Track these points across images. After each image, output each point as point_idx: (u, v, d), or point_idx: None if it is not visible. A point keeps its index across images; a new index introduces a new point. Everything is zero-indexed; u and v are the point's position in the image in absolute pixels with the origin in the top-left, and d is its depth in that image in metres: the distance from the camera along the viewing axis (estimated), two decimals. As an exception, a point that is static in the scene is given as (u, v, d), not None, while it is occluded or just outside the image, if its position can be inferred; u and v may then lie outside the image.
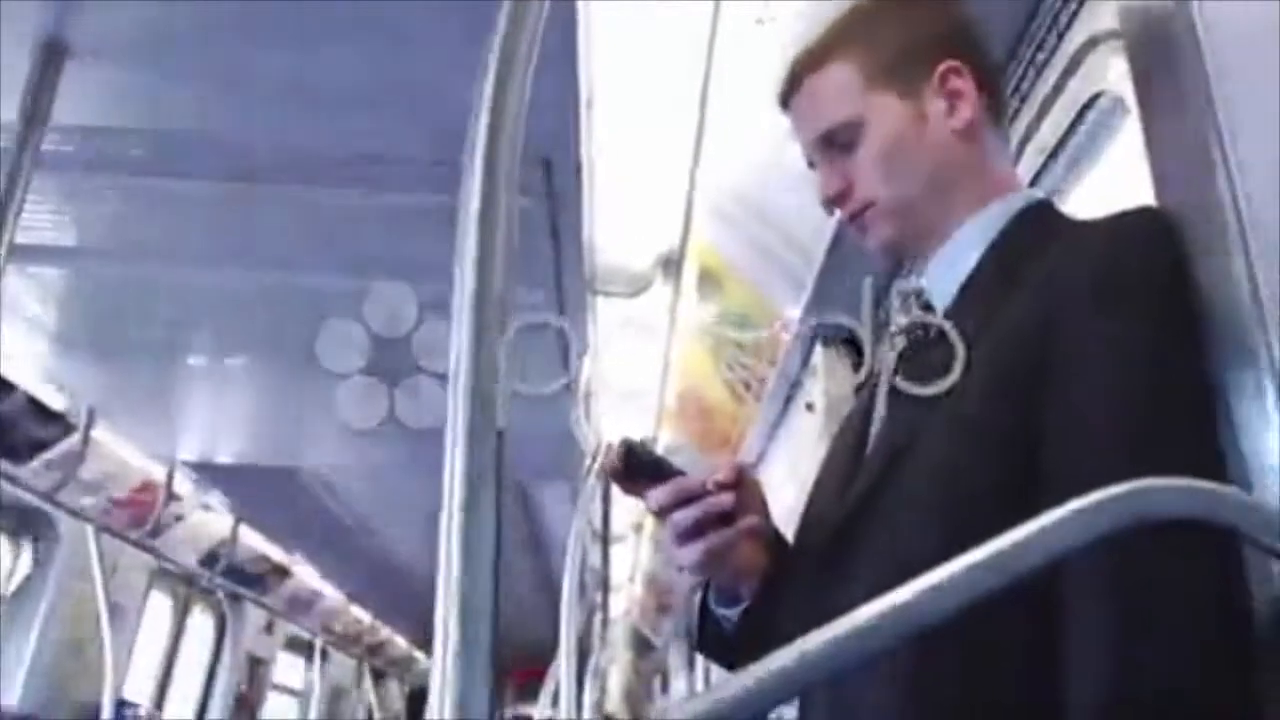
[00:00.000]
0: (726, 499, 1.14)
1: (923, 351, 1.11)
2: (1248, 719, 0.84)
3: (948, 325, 1.06)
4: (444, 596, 0.69)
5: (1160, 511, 0.72)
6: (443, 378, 0.76)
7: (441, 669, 0.67)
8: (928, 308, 1.15)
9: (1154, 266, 0.99)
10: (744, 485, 1.17)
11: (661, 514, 1.14)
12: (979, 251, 1.13)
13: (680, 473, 1.15)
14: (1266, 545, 0.76)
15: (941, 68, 1.16)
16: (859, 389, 1.38)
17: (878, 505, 1.06)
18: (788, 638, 0.66)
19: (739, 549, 1.16)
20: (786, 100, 1.23)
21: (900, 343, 1.16)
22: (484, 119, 0.80)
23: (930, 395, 1.04)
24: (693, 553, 1.14)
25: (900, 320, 1.16)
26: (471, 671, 0.67)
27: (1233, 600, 0.87)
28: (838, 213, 1.22)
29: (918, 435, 1.05)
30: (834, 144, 1.18)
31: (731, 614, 1.22)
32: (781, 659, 0.64)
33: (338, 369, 3.29)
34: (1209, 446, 0.92)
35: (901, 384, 1.07)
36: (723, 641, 1.25)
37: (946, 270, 1.15)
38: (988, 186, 1.17)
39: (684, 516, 1.13)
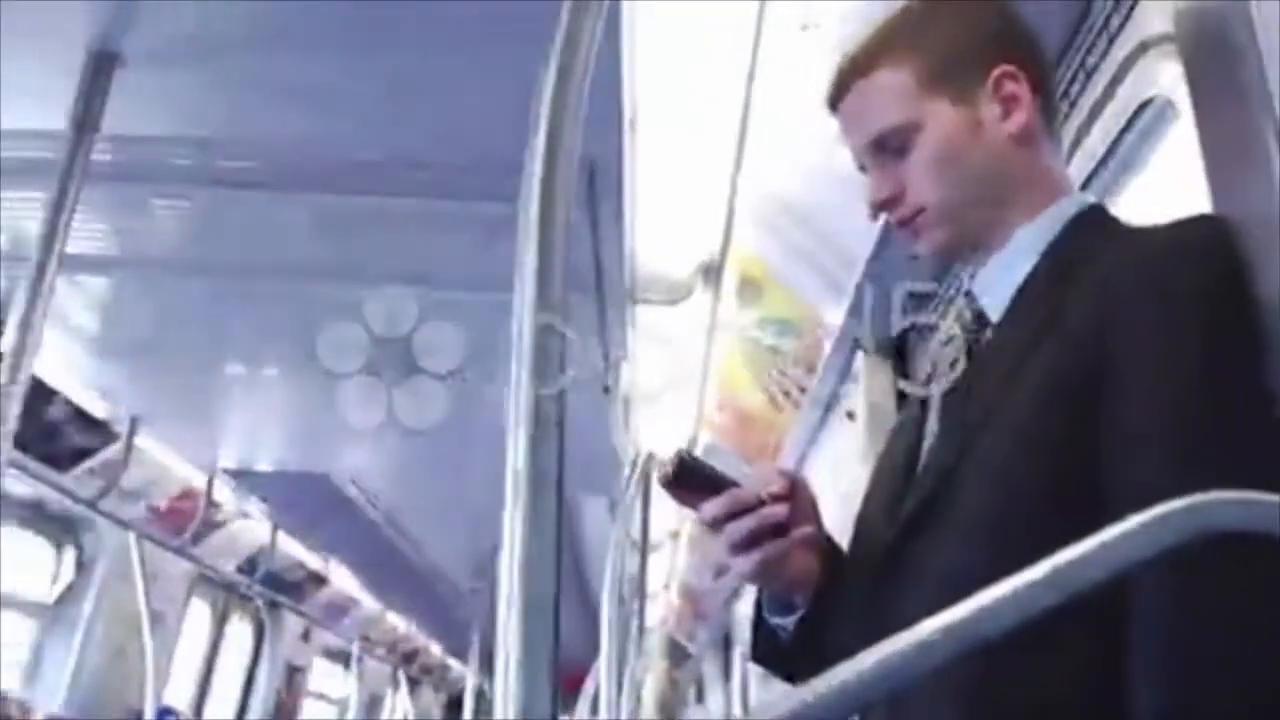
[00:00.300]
0: (780, 510, 1.13)
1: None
2: None
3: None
4: (506, 601, 0.69)
5: (1224, 524, 0.71)
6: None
7: (504, 675, 0.66)
8: (979, 315, 1.14)
9: (1211, 276, 0.98)
10: (796, 495, 1.16)
11: (715, 525, 1.14)
12: (1034, 257, 1.11)
13: (733, 483, 1.14)
14: (1333, 559, 0.74)
15: (996, 72, 1.14)
16: (902, 397, 1.37)
17: (930, 520, 1.05)
18: (842, 652, 0.65)
19: (793, 558, 1.15)
20: (835, 103, 1.21)
21: (950, 354, 1.14)
22: (543, 128, 0.79)
23: (972, 404, 1.03)
24: (747, 564, 1.13)
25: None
26: (535, 678, 0.66)
27: None
28: (884, 217, 1.21)
29: (972, 448, 1.04)
30: (886, 148, 1.17)
31: (786, 623, 1.21)
32: (842, 674, 0.63)
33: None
34: (1270, 458, 0.90)
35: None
36: (778, 651, 1.25)
37: (1002, 275, 1.13)
38: (1042, 191, 1.15)
39: (738, 528, 1.13)
